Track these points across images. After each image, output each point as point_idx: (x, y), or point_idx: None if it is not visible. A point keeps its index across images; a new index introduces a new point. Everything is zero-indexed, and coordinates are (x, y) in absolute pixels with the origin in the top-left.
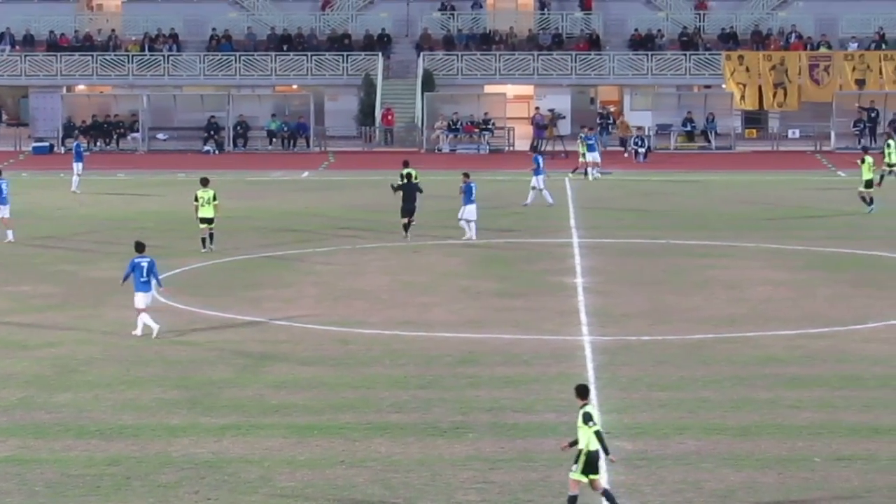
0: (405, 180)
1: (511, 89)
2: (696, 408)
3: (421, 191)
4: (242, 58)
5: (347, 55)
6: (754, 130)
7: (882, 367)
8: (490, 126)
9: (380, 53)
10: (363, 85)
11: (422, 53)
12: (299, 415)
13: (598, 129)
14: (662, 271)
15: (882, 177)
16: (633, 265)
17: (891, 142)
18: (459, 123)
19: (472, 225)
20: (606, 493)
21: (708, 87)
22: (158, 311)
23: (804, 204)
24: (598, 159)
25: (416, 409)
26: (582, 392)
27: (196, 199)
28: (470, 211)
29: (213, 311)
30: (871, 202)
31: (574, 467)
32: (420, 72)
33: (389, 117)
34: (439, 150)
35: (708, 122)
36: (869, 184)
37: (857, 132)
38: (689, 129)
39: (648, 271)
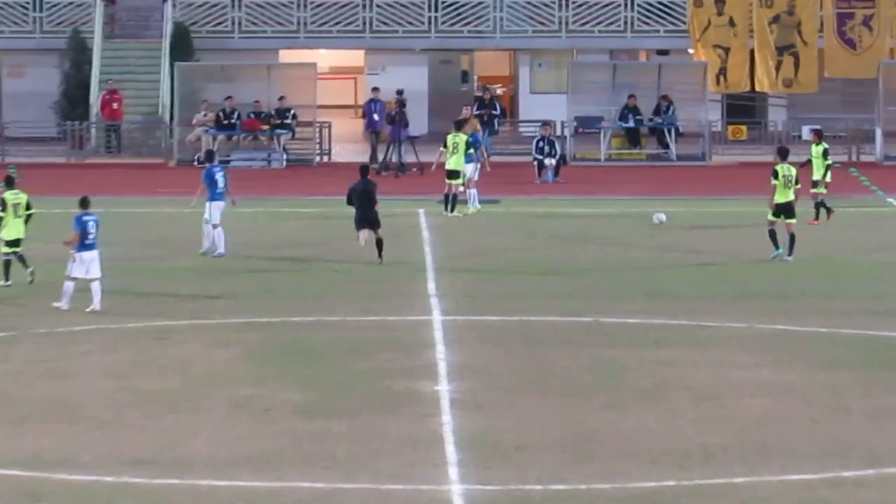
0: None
1: (326, 57)
2: None
3: (375, 200)
4: None
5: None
6: (743, 127)
7: None
8: (290, 120)
9: None
10: (70, 49)
11: None
12: None
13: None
14: (586, 371)
15: (820, 207)
16: (535, 361)
17: (818, 148)
18: (236, 116)
19: (93, 288)
20: None
21: (663, 52)
22: None
23: (829, 253)
24: (472, 173)
25: None
26: None
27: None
28: (82, 266)
29: None
30: (791, 244)
31: None
32: (168, 27)
33: (115, 105)
34: (200, 161)
35: (664, 112)
36: (786, 210)
37: None
38: (630, 124)
39: (562, 371)
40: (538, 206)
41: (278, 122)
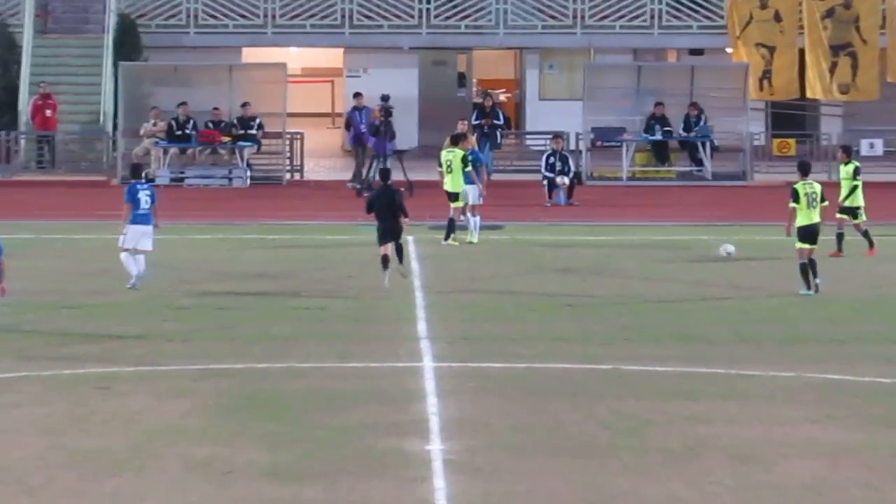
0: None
1: (298, 56)
2: None
3: (402, 207)
4: None
5: None
6: (790, 141)
7: None
8: (254, 131)
9: None
10: None
11: None
12: None
13: (476, 136)
14: (604, 428)
15: (841, 238)
16: (543, 416)
17: (847, 167)
18: (192, 126)
19: None
20: None
21: (697, 52)
22: None
23: (889, 291)
24: (476, 198)
25: None
26: None
27: None
28: None
29: None
30: (814, 274)
31: None
32: (111, 21)
33: (48, 112)
34: (150, 180)
35: (696, 123)
36: (811, 235)
37: None
38: (657, 137)
39: (576, 428)
40: (548, 234)
41: (241, 132)
